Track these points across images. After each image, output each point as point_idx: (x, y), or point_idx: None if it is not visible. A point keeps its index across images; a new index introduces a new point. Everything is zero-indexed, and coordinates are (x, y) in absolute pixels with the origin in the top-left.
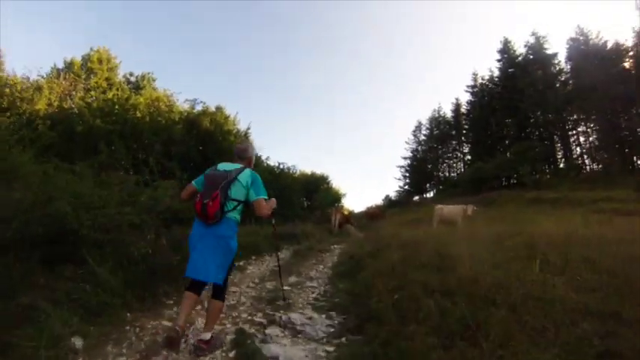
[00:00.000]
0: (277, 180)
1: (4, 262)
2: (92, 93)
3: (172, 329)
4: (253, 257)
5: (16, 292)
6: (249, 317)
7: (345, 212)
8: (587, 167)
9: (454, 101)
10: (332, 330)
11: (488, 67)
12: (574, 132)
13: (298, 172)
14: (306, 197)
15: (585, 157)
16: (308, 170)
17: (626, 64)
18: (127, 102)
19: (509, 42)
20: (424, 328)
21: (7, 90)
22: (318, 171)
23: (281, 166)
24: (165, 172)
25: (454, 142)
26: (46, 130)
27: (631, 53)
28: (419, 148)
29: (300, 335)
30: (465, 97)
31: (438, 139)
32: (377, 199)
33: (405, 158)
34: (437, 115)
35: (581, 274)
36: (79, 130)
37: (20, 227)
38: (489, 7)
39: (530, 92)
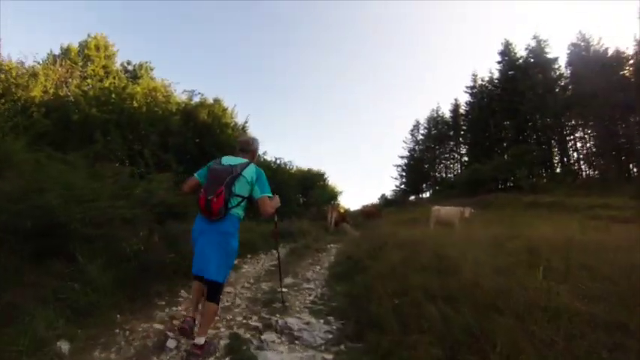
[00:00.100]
0: (274, 175)
1: None
2: (89, 81)
3: (185, 319)
4: (249, 256)
5: (2, 289)
6: (244, 321)
7: (341, 210)
8: (584, 173)
9: (453, 102)
10: (330, 336)
11: (488, 68)
12: (571, 137)
13: (295, 168)
14: (302, 194)
15: (582, 162)
16: (305, 166)
17: (627, 72)
18: (124, 91)
19: (511, 44)
20: (427, 337)
21: (2, 76)
22: (315, 167)
23: (278, 161)
24: (161, 164)
25: (452, 143)
26: (41, 118)
27: (631, 61)
28: (416, 147)
29: (297, 342)
30: (463, 98)
31: (435, 139)
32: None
33: (402, 157)
34: (435, 115)
35: (583, 282)
36: (75, 119)
37: (10, 219)
38: (489, 8)
39: (530, 95)
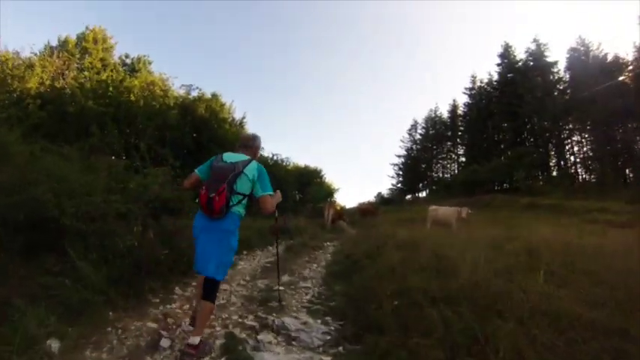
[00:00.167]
0: (271, 172)
1: None
2: (86, 73)
3: (195, 310)
4: (244, 252)
5: None
6: (240, 320)
7: (338, 208)
8: (580, 177)
9: (451, 102)
10: (328, 337)
11: (487, 70)
12: (569, 141)
13: (292, 165)
14: (299, 190)
15: (579, 166)
16: (301, 163)
17: (626, 78)
18: (122, 84)
19: (510, 47)
20: (427, 340)
21: None
22: (312, 164)
23: (275, 158)
24: (158, 158)
25: (449, 143)
26: (36, 110)
27: (631, 67)
28: (414, 147)
29: (294, 342)
30: (462, 99)
31: (433, 139)
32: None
33: (399, 156)
34: (433, 115)
35: (584, 286)
36: (71, 111)
37: (2, 211)
38: (489, 8)
39: (528, 98)
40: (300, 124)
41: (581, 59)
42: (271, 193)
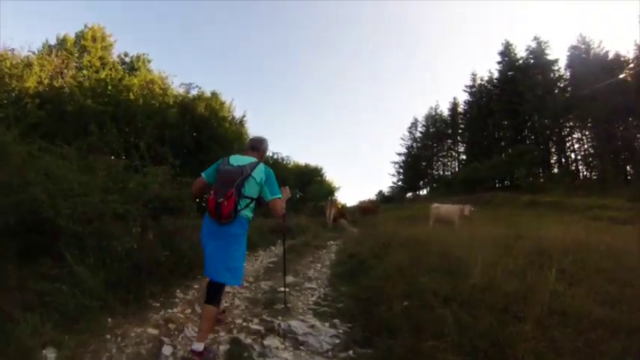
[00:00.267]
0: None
1: None
2: (84, 72)
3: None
4: (247, 252)
5: None
6: (245, 324)
7: (339, 206)
8: (581, 174)
9: (452, 100)
10: (337, 341)
11: (488, 68)
12: (569, 138)
13: (292, 163)
14: (300, 189)
15: (579, 164)
16: (302, 162)
17: (627, 76)
18: (121, 83)
19: (511, 45)
20: (443, 344)
21: None
22: (312, 163)
23: (275, 156)
24: (158, 157)
25: (449, 141)
26: (35, 109)
27: (631, 65)
28: (414, 144)
29: (302, 347)
30: (462, 97)
31: (433, 137)
32: (370, 194)
33: (399, 154)
34: (434, 113)
35: (600, 285)
36: (69, 110)
37: None
38: (489, 8)
39: (529, 96)
40: (300, 123)
41: (582, 57)
42: (280, 196)
